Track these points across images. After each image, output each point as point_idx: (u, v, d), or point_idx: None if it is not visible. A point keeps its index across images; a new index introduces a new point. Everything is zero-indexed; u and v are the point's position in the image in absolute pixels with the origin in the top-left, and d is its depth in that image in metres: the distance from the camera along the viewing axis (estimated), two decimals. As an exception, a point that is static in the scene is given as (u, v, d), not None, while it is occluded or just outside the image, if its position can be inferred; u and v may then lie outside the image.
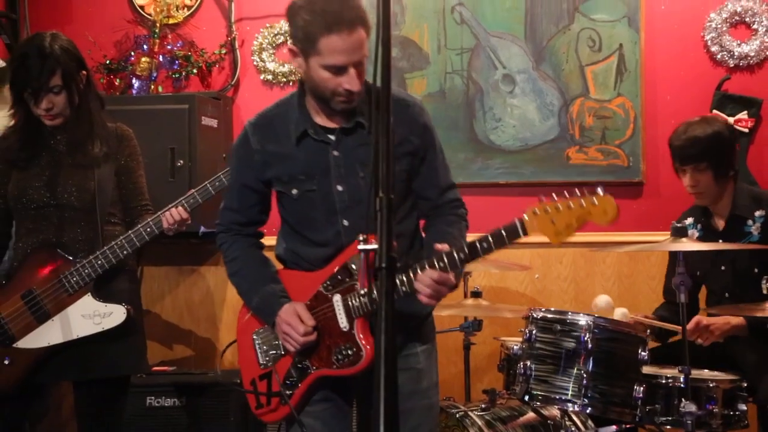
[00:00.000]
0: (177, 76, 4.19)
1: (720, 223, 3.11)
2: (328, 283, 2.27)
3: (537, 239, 3.76)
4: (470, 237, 2.23)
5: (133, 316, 2.73)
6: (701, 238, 3.09)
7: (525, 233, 2.08)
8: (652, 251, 3.33)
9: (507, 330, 3.57)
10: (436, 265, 2.10)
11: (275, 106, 2.34)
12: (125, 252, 2.72)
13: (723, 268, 3.06)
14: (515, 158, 3.96)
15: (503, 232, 2.09)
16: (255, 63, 4.21)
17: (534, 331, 2.67)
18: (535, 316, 2.69)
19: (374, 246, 1.56)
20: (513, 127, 3.97)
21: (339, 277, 2.25)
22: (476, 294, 3.40)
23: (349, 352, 2.23)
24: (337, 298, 2.23)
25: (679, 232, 2.66)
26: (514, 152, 3.96)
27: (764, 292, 2.64)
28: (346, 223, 2.25)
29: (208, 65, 4.19)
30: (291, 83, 4.17)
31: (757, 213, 3.02)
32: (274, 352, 2.34)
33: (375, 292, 1.54)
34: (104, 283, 2.74)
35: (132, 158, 2.86)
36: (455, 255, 2.10)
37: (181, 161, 3.77)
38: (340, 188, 2.24)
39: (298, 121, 2.26)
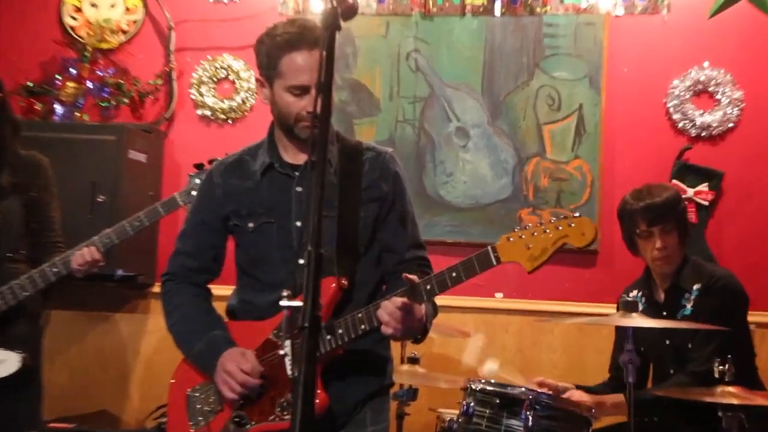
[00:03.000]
0: (106, 104, 4.17)
1: (661, 295, 3.15)
2: (279, 329, 2.24)
3: (481, 304, 3.91)
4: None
5: (29, 365, 2.67)
6: (645, 311, 3.09)
7: (498, 261, 2.09)
8: (602, 324, 3.34)
9: (445, 400, 3.52)
10: (404, 293, 2.10)
11: (246, 148, 2.43)
12: (26, 293, 2.68)
13: (667, 342, 3.08)
14: (464, 216, 3.98)
15: (474, 261, 2.10)
16: (192, 96, 4.21)
17: (472, 404, 2.64)
18: (473, 387, 2.66)
19: (298, 303, 1.51)
20: (464, 183, 4.00)
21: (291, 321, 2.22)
22: (413, 360, 3.36)
23: None
24: (287, 344, 2.13)
25: (629, 307, 2.67)
26: (464, 210, 3.98)
27: (716, 375, 2.66)
28: (302, 261, 2.22)
29: (141, 95, 4.19)
30: (230, 121, 4.18)
31: (695, 286, 3.05)
32: (209, 409, 2.31)
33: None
34: (1, 326, 2.68)
35: (45, 190, 2.83)
36: (421, 286, 2.10)
37: (103, 197, 3.74)
38: (299, 224, 2.27)
39: (266, 154, 2.34)
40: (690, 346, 3.00)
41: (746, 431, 2.62)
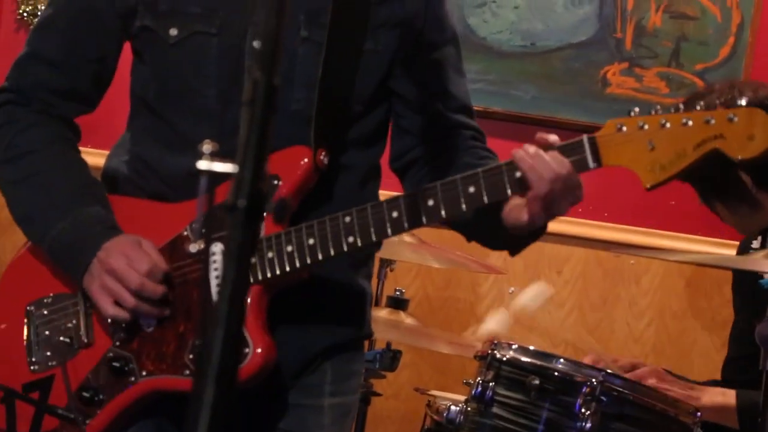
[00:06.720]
0: None
1: None
2: (203, 221, 2.27)
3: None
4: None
5: None
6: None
7: (599, 162, 2.12)
8: (728, 271, 3.36)
9: (443, 378, 3.59)
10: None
11: None
12: None
13: None
14: (510, 67, 4.11)
15: (561, 153, 2.13)
16: None
17: (493, 385, 2.70)
18: (499, 356, 2.73)
19: (227, 167, 1.48)
20: (515, 9, 4.07)
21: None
22: (397, 302, 3.43)
23: None
24: (217, 250, 2.15)
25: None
26: (510, 56, 4.12)
27: None
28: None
29: None
30: None
31: None
32: (66, 339, 2.37)
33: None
34: None
35: None
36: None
37: None
38: (257, 45, 2.20)
39: None
40: None
41: None
